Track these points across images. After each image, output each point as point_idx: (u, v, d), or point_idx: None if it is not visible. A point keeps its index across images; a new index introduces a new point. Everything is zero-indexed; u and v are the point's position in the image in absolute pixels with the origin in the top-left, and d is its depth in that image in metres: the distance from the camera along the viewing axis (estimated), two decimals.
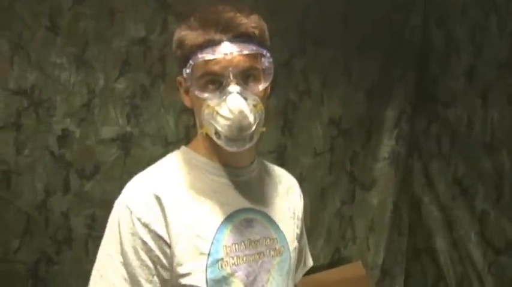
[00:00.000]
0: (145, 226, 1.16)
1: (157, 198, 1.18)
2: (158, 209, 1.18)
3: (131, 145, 2.49)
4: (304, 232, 1.53)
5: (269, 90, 1.27)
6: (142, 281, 1.17)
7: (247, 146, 1.20)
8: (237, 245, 1.23)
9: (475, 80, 2.91)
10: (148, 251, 1.17)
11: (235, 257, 1.22)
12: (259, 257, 1.27)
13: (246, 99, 1.15)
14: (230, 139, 1.18)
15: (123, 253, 1.17)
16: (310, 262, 1.59)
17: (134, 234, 1.16)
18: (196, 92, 1.17)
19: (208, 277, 1.18)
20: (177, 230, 1.17)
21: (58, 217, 2.35)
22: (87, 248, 2.39)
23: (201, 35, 1.15)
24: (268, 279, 1.28)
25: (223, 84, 1.15)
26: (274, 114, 2.86)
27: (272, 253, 1.29)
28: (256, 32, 1.19)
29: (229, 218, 1.24)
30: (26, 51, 2.24)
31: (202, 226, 1.20)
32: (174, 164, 1.28)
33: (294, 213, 1.43)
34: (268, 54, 1.21)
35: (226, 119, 1.15)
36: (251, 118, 1.16)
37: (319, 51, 2.97)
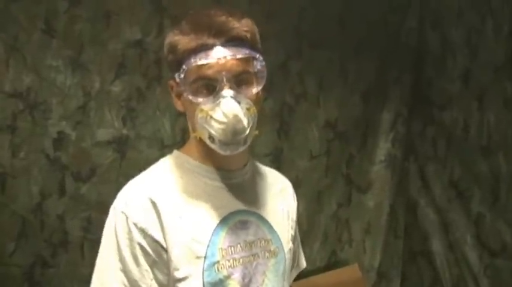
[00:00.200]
0: (142, 231, 1.16)
1: (153, 203, 1.18)
2: (154, 214, 1.18)
3: (127, 148, 2.48)
4: (298, 233, 1.53)
5: (261, 93, 1.26)
6: (142, 286, 1.17)
7: (241, 149, 1.21)
8: (232, 248, 1.23)
9: (471, 83, 2.92)
10: (146, 256, 1.17)
11: (231, 260, 1.22)
12: (254, 258, 1.27)
13: (239, 103, 1.15)
14: (224, 143, 1.18)
15: (122, 259, 1.17)
16: (303, 263, 1.59)
17: (131, 239, 1.16)
18: (190, 97, 1.17)
19: (205, 280, 1.18)
20: (173, 235, 1.17)
21: (54, 220, 2.34)
22: (83, 251, 2.39)
23: (193, 40, 1.15)
24: (263, 281, 1.28)
25: (217, 88, 1.15)
26: (270, 116, 2.86)
27: (267, 254, 1.30)
28: (248, 35, 1.19)
29: (224, 221, 1.23)
30: (21, 54, 2.23)
31: (197, 229, 1.20)
32: (167, 168, 1.28)
33: (288, 214, 1.43)
34: (260, 58, 1.21)
35: (221, 123, 1.15)
36: (245, 122, 1.16)
37: (315, 54, 2.98)
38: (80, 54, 2.35)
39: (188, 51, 1.15)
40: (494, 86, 2.79)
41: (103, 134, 2.43)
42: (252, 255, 1.26)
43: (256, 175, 1.40)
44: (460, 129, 2.98)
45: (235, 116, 1.14)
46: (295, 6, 2.89)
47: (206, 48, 1.14)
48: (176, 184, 1.24)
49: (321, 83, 3.04)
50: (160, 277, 1.18)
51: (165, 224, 1.17)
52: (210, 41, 1.14)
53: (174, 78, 1.21)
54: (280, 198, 1.43)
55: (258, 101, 1.23)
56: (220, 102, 1.14)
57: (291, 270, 1.50)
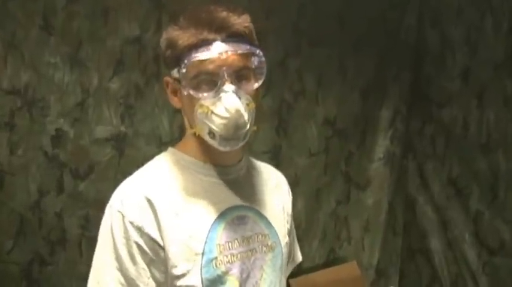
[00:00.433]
0: (138, 229, 1.16)
1: (149, 201, 1.18)
2: (150, 212, 1.17)
3: (125, 145, 2.48)
4: (293, 227, 1.53)
5: (260, 89, 1.26)
6: (139, 285, 1.16)
7: (240, 145, 1.21)
8: (230, 243, 1.23)
9: (470, 81, 2.91)
10: (143, 254, 1.16)
11: (229, 255, 1.22)
12: (252, 253, 1.27)
13: (240, 98, 1.15)
14: (225, 138, 1.17)
15: (118, 258, 1.17)
16: (299, 257, 1.59)
17: (128, 238, 1.16)
18: (191, 92, 1.17)
19: (203, 276, 1.18)
20: (170, 232, 1.17)
21: (52, 218, 2.34)
22: (81, 248, 2.38)
23: (194, 35, 1.15)
24: (261, 275, 1.28)
25: (218, 83, 1.15)
26: (269, 114, 2.86)
27: (264, 249, 1.30)
28: (247, 31, 1.19)
29: (221, 216, 1.23)
30: (19, 51, 2.23)
31: (194, 226, 1.20)
32: (162, 166, 1.28)
33: (283, 208, 1.43)
34: (260, 54, 1.21)
35: (223, 118, 1.14)
36: (246, 117, 1.16)
37: (314, 51, 2.97)
38: (78, 51, 2.34)
39: (189, 47, 1.15)
40: (494, 83, 2.78)
41: (101, 131, 2.42)
42: (250, 250, 1.26)
43: (252, 170, 1.40)
44: (459, 127, 2.98)
45: (237, 111, 1.14)
46: (294, 3, 2.89)
47: (207, 43, 1.14)
48: (172, 181, 1.24)
49: (319, 81, 3.03)
50: (158, 274, 1.18)
51: (161, 222, 1.17)
52: (211, 36, 1.14)
53: (170, 75, 1.21)
54: (275, 193, 1.43)
55: (257, 97, 1.23)
56: (221, 97, 1.14)
57: (287, 264, 1.50)
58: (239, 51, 1.15)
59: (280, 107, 2.92)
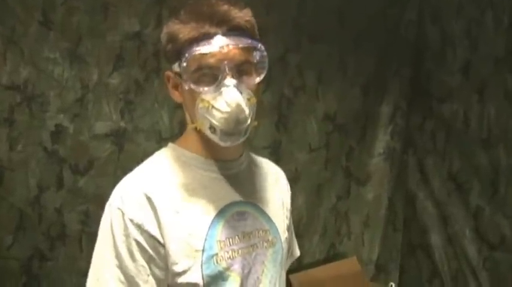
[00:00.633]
0: (138, 226, 1.15)
1: (148, 198, 1.17)
2: (150, 209, 1.17)
3: (125, 141, 2.47)
4: (292, 222, 1.53)
5: (261, 84, 1.25)
6: (139, 282, 1.16)
7: (241, 140, 1.20)
8: (231, 239, 1.22)
9: (471, 76, 2.91)
10: (142, 251, 1.16)
11: (230, 251, 1.22)
12: (253, 249, 1.26)
13: (241, 92, 1.15)
14: (226, 133, 1.17)
15: (118, 255, 1.16)
16: (297, 252, 1.60)
17: (127, 235, 1.16)
18: (192, 86, 1.16)
19: (204, 273, 1.17)
20: (170, 230, 1.16)
21: (51, 213, 2.34)
22: (81, 244, 2.38)
23: (195, 29, 1.14)
24: (263, 271, 1.28)
25: (219, 77, 1.14)
26: (269, 109, 2.85)
27: (265, 244, 1.29)
28: (249, 25, 1.19)
29: (221, 213, 1.23)
30: (18, 46, 2.22)
31: (194, 223, 1.19)
32: (162, 162, 1.27)
33: (283, 204, 1.43)
34: (262, 48, 1.20)
35: (223, 112, 1.14)
36: (247, 111, 1.15)
37: (315, 47, 2.97)
38: (78, 46, 2.34)
39: (190, 40, 1.14)
40: (494, 78, 2.78)
41: (101, 126, 2.42)
42: (251, 246, 1.26)
43: (252, 165, 1.40)
44: (459, 122, 2.98)
45: (238, 106, 1.13)
46: None
47: (208, 37, 1.13)
48: (172, 178, 1.23)
49: (320, 76, 3.03)
50: (158, 272, 1.17)
51: (161, 220, 1.16)
52: (212, 30, 1.13)
53: (171, 69, 1.21)
54: (275, 188, 1.42)
55: (257, 91, 1.22)
56: (222, 91, 1.13)
57: (287, 259, 1.51)
58: (240, 45, 1.15)
59: (280, 103, 2.92)
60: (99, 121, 2.41)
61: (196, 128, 1.22)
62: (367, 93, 3.20)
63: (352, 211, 3.29)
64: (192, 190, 1.23)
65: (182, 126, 2.48)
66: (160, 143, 2.48)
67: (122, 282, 1.16)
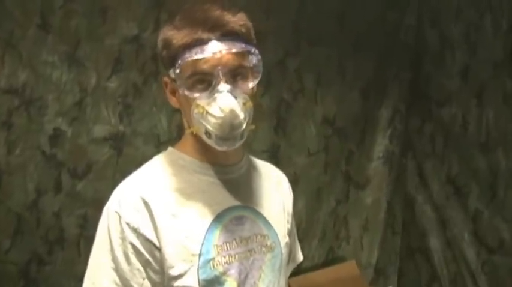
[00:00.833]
0: (134, 230, 1.16)
1: (145, 202, 1.17)
2: (146, 213, 1.17)
3: (123, 144, 2.47)
4: (294, 226, 1.52)
5: (257, 88, 1.26)
6: (134, 286, 1.16)
7: (238, 144, 1.20)
8: (228, 244, 1.22)
9: (470, 80, 2.91)
10: (138, 255, 1.16)
11: (227, 256, 1.22)
12: (251, 254, 1.26)
13: (236, 97, 1.15)
14: (221, 138, 1.17)
15: (114, 259, 1.17)
16: (299, 257, 1.59)
17: (124, 239, 1.16)
18: (186, 92, 1.16)
19: (200, 277, 1.18)
20: (166, 233, 1.17)
21: (49, 217, 2.33)
22: (79, 248, 2.38)
23: (188, 35, 1.14)
24: (260, 276, 1.28)
25: (213, 83, 1.14)
26: (268, 113, 2.85)
27: (263, 249, 1.29)
28: (244, 30, 1.18)
29: (218, 218, 1.23)
30: (17, 50, 2.22)
31: (191, 227, 1.19)
32: (161, 166, 1.27)
33: (283, 208, 1.43)
34: (256, 52, 1.20)
35: (217, 118, 1.14)
36: (242, 116, 1.15)
37: (314, 51, 2.96)
38: (76, 49, 2.34)
39: (183, 46, 1.14)
40: (493, 82, 2.78)
41: (99, 130, 2.42)
42: (249, 251, 1.26)
43: (252, 169, 1.39)
44: (458, 125, 2.98)
45: (232, 111, 1.13)
46: (293, 3, 2.88)
47: (201, 42, 1.13)
48: (169, 182, 1.23)
49: (318, 80, 3.03)
50: (154, 275, 1.18)
51: (157, 223, 1.17)
52: (205, 35, 1.13)
53: (168, 75, 1.21)
54: (276, 192, 1.42)
55: (254, 95, 1.23)
56: (216, 97, 1.14)
57: (288, 264, 1.50)
58: (234, 50, 1.15)
59: (279, 106, 2.92)
60: (97, 125, 2.41)
61: (193, 133, 1.22)
62: (366, 97, 3.20)
63: (351, 214, 3.28)
64: (189, 194, 1.23)
65: (180, 130, 2.47)
66: (159, 147, 2.48)
67: (118, 285, 1.17)
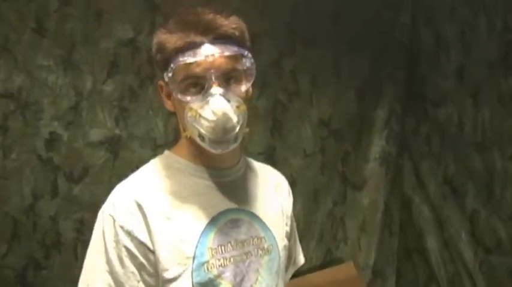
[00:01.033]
0: (128, 233, 1.16)
1: (139, 205, 1.18)
2: (140, 216, 1.17)
3: (120, 148, 2.47)
4: (295, 229, 1.52)
5: (251, 90, 1.26)
6: None
7: (231, 147, 1.20)
8: (223, 247, 1.22)
9: (465, 80, 2.92)
10: (132, 258, 1.17)
11: (221, 259, 1.21)
12: (247, 257, 1.26)
13: (229, 101, 1.15)
14: (214, 141, 1.17)
15: (108, 261, 1.17)
16: (300, 260, 1.59)
17: (118, 242, 1.16)
18: (179, 96, 1.17)
19: (194, 280, 1.18)
20: (161, 236, 1.17)
21: (46, 221, 2.33)
22: (76, 252, 2.37)
23: (181, 38, 1.14)
24: (257, 279, 1.27)
25: (206, 86, 1.15)
26: (263, 115, 2.85)
27: (260, 252, 1.29)
28: (237, 33, 1.18)
29: (213, 221, 1.23)
30: (12, 54, 2.21)
31: (186, 230, 1.20)
32: (156, 169, 1.28)
33: (282, 211, 1.42)
34: (249, 55, 1.20)
35: (210, 121, 1.14)
36: (235, 120, 1.16)
37: (309, 51, 2.97)
38: (72, 53, 2.33)
39: (176, 50, 1.15)
40: (488, 82, 2.79)
41: (95, 134, 2.41)
42: (245, 253, 1.26)
43: (249, 171, 1.39)
44: (454, 125, 2.98)
45: (225, 114, 1.13)
46: (287, 4, 2.88)
47: (194, 46, 1.14)
48: (164, 185, 1.24)
49: (314, 81, 3.03)
50: (149, 278, 1.18)
51: (151, 226, 1.17)
52: (198, 39, 1.14)
53: (163, 78, 1.21)
54: (274, 194, 1.42)
55: (247, 98, 1.23)
56: (209, 100, 1.14)
57: (288, 267, 1.50)
58: (226, 53, 1.15)
59: (275, 108, 2.91)
60: (93, 128, 2.40)
61: (187, 136, 1.22)
62: (361, 97, 3.20)
63: (348, 216, 3.28)
64: (184, 197, 1.23)
65: (177, 133, 2.47)
66: (155, 150, 2.48)
67: None
